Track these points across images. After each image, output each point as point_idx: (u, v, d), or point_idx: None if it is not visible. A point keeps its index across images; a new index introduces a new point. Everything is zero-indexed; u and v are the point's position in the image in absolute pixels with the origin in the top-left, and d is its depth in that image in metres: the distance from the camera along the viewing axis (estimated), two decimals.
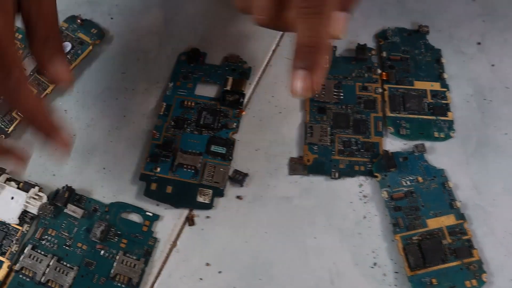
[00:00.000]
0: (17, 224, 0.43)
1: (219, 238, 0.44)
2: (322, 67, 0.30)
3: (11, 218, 0.43)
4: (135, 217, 0.45)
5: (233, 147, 0.47)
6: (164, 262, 0.43)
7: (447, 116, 0.49)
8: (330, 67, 0.50)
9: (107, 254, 0.43)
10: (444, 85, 0.50)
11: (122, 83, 0.52)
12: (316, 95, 0.49)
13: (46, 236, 0.43)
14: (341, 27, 0.32)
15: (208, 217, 0.45)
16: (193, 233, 0.44)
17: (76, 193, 0.46)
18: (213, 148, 0.47)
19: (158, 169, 0.46)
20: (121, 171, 0.47)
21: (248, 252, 0.43)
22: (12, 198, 0.43)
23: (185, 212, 0.45)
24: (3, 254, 0.42)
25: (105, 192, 0.46)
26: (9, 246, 0.42)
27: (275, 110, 0.50)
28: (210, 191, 0.45)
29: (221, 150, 0.47)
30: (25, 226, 0.43)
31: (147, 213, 0.45)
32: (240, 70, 0.51)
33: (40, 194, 0.44)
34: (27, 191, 0.44)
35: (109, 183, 0.47)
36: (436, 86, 0.50)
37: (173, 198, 0.45)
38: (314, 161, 0.46)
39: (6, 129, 0.48)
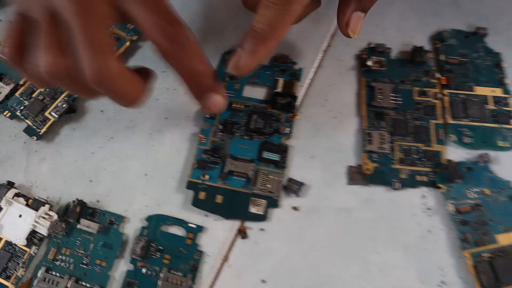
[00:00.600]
0: (25, 245, 0.39)
1: (275, 252, 0.40)
2: (258, 55, 0.32)
3: (19, 238, 0.38)
4: (176, 230, 0.41)
5: (287, 153, 0.44)
6: (215, 279, 0.40)
7: (510, 124, 0.46)
8: (386, 69, 0.47)
9: (149, 272, 0.39)
10: (506, 91, 0.47)
11: (163, 82, 0.48)
12: (374, 100, 0.46)
13: (60, 256, 0.39)
14: (355, 26, 0.34)
15: (262, 229, 0.41)
16: (246, 247, 0.41)
17: (88, 206, 0.42)
18: (265, 154, 0.43)
19: (207, 177, 0.42)
20: (164, 178, 0.44)
21: (306, 268, 0.40)
22: (20, 216, 0.39)
23: (236, 224, 0.42)
24: (8, 278, 0.37)
25: (147, 200, 0.43)
26: (15, 270, 0.38)
27: (329, 114, 0.46)
28: (264, 201, 0.42)
29: (274, 157, 0.43)
30: (33, 248, 0.39)
31: (190, 225, 0.41)
32: (291, 71, 0.48)
33: (51, 213, 0.39)
34: (36, 209, 0.39)
35: (152, 191, 0.43)
36: (498, 92, 0.47)
37: (224, 209, 0.41)
38: (375, 170, 0.43)
39: (38, 130, 0.44)
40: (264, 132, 0.44)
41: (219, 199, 0.42)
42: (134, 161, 0.44)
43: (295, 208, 0.42)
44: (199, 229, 0.41)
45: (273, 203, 0.42)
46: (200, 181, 0.42)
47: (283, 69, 0.48)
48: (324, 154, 0.44)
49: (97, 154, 0.45)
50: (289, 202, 0.42)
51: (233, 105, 0.46)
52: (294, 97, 0.46)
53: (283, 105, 0.45)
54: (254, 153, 0.44)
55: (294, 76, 0.47)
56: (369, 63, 0.48)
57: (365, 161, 0.44)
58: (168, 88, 0.48)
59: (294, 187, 0.42)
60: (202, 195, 0.42)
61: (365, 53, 0.49)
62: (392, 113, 0.46)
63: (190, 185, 0.42)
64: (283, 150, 0.44)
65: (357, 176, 0.43)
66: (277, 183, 0.42)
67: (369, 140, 0.44)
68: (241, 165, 0.43)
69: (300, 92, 0.47)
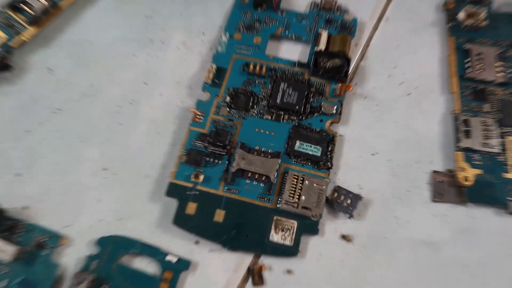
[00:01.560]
0: None
1: None
2: None
3: None
4: (146, 265, 0.25)
5: (334, 146, 0.27)
6: None
7: None
8: (486, 26, 0.30)
9: None
10: None
11: (145, 30, 0.32)
12: (471, 71, 0.29)
13: None
14: None
15: (289, 271, 0.25)
16: None
17: (8, 215, 0.26)
18: (300, 146, 0.27)
19: (201, 178, 0.26)
20: (133, 176, 0.27)
21: None
22: None
23: (247, 260, 0.25)
24: None
25: (103, 212, 0.26)
26: None
27: (400, 89, 0.30)
28: (295, 223, 0.25)
29: (314, 150, 0.27)
30: None
31: (168, 258, 0.25)
32: (340, 22, 0.31)
33: None
34: None
35: (112, 197, 0.27)
36: None
37: (227, 233, 0.25)
38: (476, 181, 0.26)
39: None
40: (297, 111, 0.28)
41: (219, 216, 0.25)
42: (89, 147, 0.28)
43: (345, 238, 0.25)
44: (184, 265, 0.25)
45: (310, 227, 0.25)
46: (189, 185, 0.26)
47: (329, 19, 0.31)
48: (393, 150, 0.28)
49: (34, 133, 0.28)
50: (336, 226, 0.26)
51: (250, 68, 0.29)
52: (347, 60, 0.29)
53: (329, 70, 0.29)
54: (280, 144, 0.27)
55: (345, 29, 0.31)
56: (461, 16, 0.31)
57: (460, 165, 0.27)
58: (152, 40, 0.31)
59: (344, 203, 0.26)
60: (191, 207, 0.25)
61: (452, 2, 0.32)
62: (499, 91, 0.29)
63: (173, 191, 0.26)
64: (328, 141, 0.27)
65: (447, 188, 0.27)
66: (318, 195, 0.25)
67: (466, 131, 0.27)
68: (258, 161, 0.26)
69: (355, 54, 0.30)
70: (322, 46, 0.30)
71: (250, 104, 0.28)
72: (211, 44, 0.31)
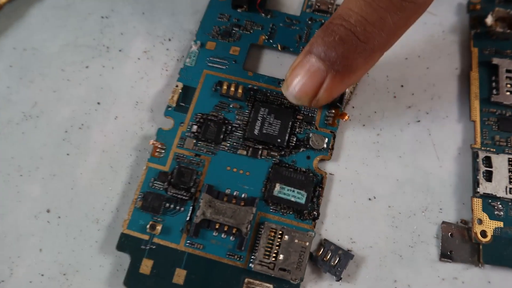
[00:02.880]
0: None
1: None
2: (349, 72, 0.20)
3: None
4: None
5: (322, 190, 0.22)
6: None
7: None
8: None
9: None
10: None
11: (100, 34, 0.26)
12: (498, 93, 0.24)
13: None
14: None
15: None
16: None
17: None
18: (280, 190, 0.22)
19: (159, 229, 0.21)
20: (84, 221, 0.23)
21: None
22: None
23: None
24: None
25: (47, 265, 0.22)
26: None
27: (408, 115, 0.24)
28: None
29: (298, 196, 0.22)
30: None
31: None
32: None
33: None
34: None
35: (56, 246, 0.22)
36: None
37: None
38: (496, 238, 0.21)
39: None
40: (279, 145, 0.23)
41: (179, 276, 0.21)
42: (30, 182, 0.23)
43: None
44: None
45: None
46: (145, 237, 0.21)
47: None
48: (394, 194, 0.23)
49: None
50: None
51: (224, 87, 0.24)
52: None
53: None
54: (257, 187, 0.22)
55: None
56: (489, 20, 0.25)
57: (477, 216, 0.22)
58: (108, 47, 0.26)
59: (332, 261, 0.21)
60: (146, 265, 0.21)
61: (478, 3, 0.26)
62: None
63: (125, 244, 0.21)
64: (315, 184, 0.22)
65: (459, 245, 0.22)
66: (300, 253, 0.21)
67: (487, 172, 0.22)
68: (229, 209, 0.21)
69: None
70: None
71: (222, 135, 0.23)
72: (179, 54, 0.26)
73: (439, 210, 0.22)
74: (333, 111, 0.23)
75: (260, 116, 0.23)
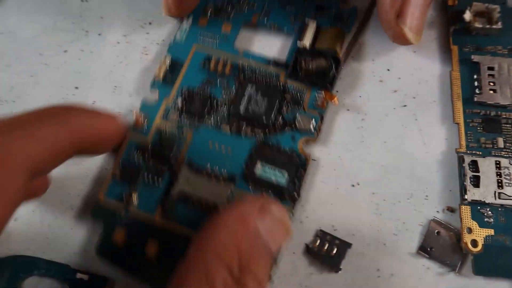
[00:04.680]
0: None
1: None
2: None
3: None
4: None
5: (305, 173, 0.21)
6: None
7: None
8: (501, 30, 0.24)
9: None
10: None
11: (79, 18, 0.26)
12: (481, 92, 0.23)
13: None
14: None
15: None
16: None
17: None
18: (262, 169, 0.21)
19: (135, 199, 0.21)
20: (56, 191, 0.22)
21: None
22: None
23: None
24: None
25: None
26: None
27: (393, 99, 0.24)
28: None
29: (279, 176, 0.21)
30: None
31: (79, 276, 0.20)
32: (334, 11, 0.25)
33: None
34: None
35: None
36: None
37: (158, 270, 0.20)
38: (487, 247, 0.21)
39: None
40: (265, 124, 0.22)
41: (152, 248, 0.20)
42: None
43: None
44: (100, 282, 0.20)
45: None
46: (120, 206, 0.21)
47: (322, 5, 0.25)
48: (379, 180, 0.22)
49: None
50: (300, 279, 0.20)
51: (212, 63, 0.23)
52: (336, 61, 0.23)
53: (312, 74, 0.23)
54: (237, 164, 0.21)
55: (341, 21, 0.25)
56: (467, 16, 0.25)
57: (466, 224, 0.21)
58: (87, 31, 0.26)
59: (329, 252, 0.21)
60: (119, 234, 0.20)
61: None
62: None
63: (99, 212, 0.21)
64: (298, 165, 0.21)
65: (442, 245, 0.21)
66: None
67: (474, 178, 0.22)
68: (207, 185, 0.21)
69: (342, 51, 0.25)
70: (307, 41, 0.24)
71: (206, 110, 0.22)
72: (159, 38, 0.25)
73: (425, 197, 0.22)
74: (323, 92, 0.23)
75: (247, 94, 0.22)
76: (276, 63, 0.24)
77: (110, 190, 0.21)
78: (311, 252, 0.21)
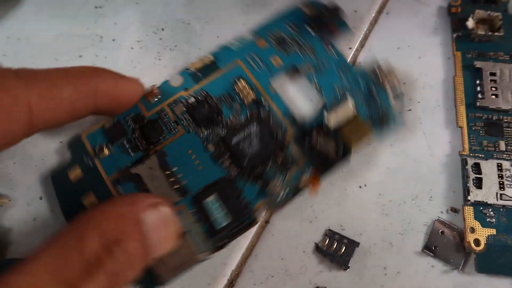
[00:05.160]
0: None
1: None
2: None
3: None
4: None
5: (243, 231, 0.21)
6: None
7: None
8: (502, 36, 0.25)
9: None
10: None
11: (94, 24, 0.27)
12: (483, 97, 0.24)
13: None
14: None
15: None
16: None
17: None
18: (211, 202, 0.21)
19: (105, 154, 0.22)
20: None
21: None
22: None
23: None
24: None
25: None
26: None
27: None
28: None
29: (221, 217, 0.21)
30: None
31: None
32: (382, 101, 0.23)
33: None
34: None
35: None
36: None
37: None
38: (490, 246, 0.21)
39: None
40: (243, 166, 0.22)
41: (88, 200, 0.21)
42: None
43: None
44: None
45: None
46: (91, 152, 0.22)
47: (375, 88, 0.23)
48: (383, 182, 0.23)
49: None
50: (310, 277, 0.21)
51: (241, 84, 0.23)
52: (343, 154, 0.22)
53: (314, 153, 0.22)
54: (198, 183, 0.21)
55: (378, 119, 0.23)
56: (470, 23, 0.25)
57: (469, 224, 0.22)
58: (101, 37, 0.26)
59: (338, 250, 0.21)
60: (75, 172, 0.22)
61: (458, 4, 0.27)
62: None
63: (74, 145, 0.22)
64: (244, 221, 0.21)
65: (446, 244, 0.22)
66: (181, 261, 0.20)
67: (477, 180, 0.22)
68: (162, 183, 0.21)
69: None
70: (333, 121, 0.22)
71: (207, 122, 0.23)
72: (172, 43, 0.26)
73: (429, 198, 0.23)
74: (312, 171, 0.22)
75: (248, 131, 0.22)
76: (293, 119, 0.23)
77: (92, 134, 0.22)
78: (320, 250, 0.22)
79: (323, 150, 0.22)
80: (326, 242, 0.22)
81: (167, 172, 0.21)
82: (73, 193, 0.21)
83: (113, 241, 0.16)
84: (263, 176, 0.21)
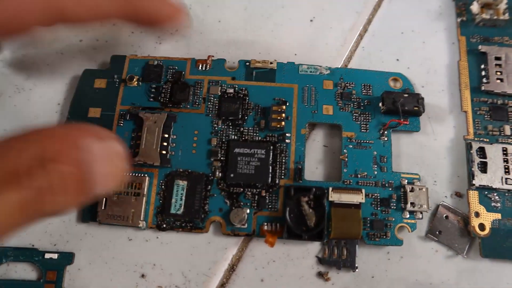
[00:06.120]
0: None
1: None
2: None
3: None
4: (24, 270, 0.22)
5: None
6: None
7: None
8: (507, 21, 0.25)
9: None
10: None
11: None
12: (488, 81, 0.24)
13: None
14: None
15: None
16: None
17: None
18: (176, 190, 0.22)
19: (134, 83, 0.24)
20: None
21: None
22: None
23: None
24: None
25: None
26: None
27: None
28: None
29: (176, 203, 0.22)
30: None
31: (48, 256, 0.22)
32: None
33: None
34: None
35: None
36: None
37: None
38: (495, 230, 0.21)
39: None
40: (226, 179, 0.22)
41: (94, 113, 0.24)
42: None
43: (322, 276, 0.21)
44: (66, 259, 0.22)
45: None
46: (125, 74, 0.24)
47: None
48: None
49: None
50: (311, 262, 0.21)
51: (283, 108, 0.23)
52: (316, 234, 0.21)
53: (298, 219, 0.21)
54: (186, 163, 0.22)
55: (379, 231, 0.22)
56: (475, 8, 0.25)
57: (473, 208, 0.21)
58: None
59: (340, 256, 0.21)
60: (100, 82, 0.24)
61: None
62: None
63: (116, 61, 0.24)
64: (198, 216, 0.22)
65: (450, 229, 0.22)
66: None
67: (482, 164, 0.22)
68: (152, 143, 0.22)
69: (350, 39, 0.25)
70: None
71: (226, 116, 0.23)
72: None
73: (433, 183, 0.22)
74: (274, 226, 0.21)
75: (254, 150, 0.22)
76: (299, 171, 0.22)
77: (135, 62, 0.24)
78: (324, 262, 0.21)
79: (302, 212, 0.21)
80: (326, 251, 0.21)
81: (165, 135, 0.22)
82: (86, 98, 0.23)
83: (49, 159, 0.15)
84: (236, 199, 0.21)
